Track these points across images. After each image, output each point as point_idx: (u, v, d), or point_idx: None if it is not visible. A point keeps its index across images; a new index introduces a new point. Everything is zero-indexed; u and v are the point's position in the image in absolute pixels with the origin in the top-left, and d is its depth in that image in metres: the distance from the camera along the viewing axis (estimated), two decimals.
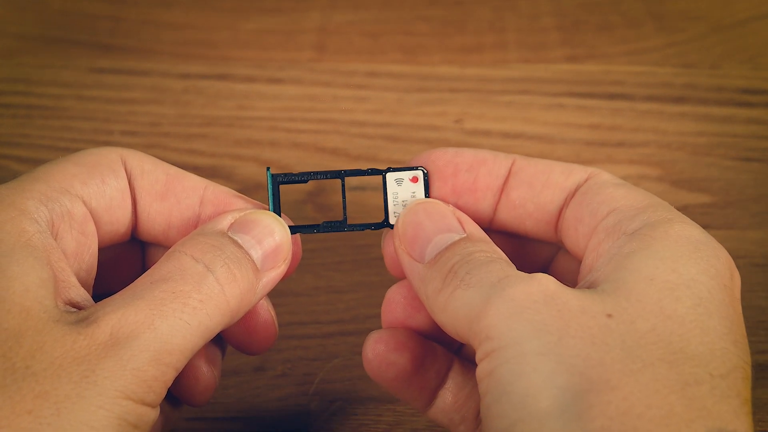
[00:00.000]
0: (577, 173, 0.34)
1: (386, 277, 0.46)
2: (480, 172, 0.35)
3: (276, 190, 0.34)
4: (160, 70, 0.55)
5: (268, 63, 0.56)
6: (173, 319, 0.29)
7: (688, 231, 0.30)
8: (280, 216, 0.34)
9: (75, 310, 0.29)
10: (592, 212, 0.32)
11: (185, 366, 0.30)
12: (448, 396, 0.35)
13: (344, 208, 0.35)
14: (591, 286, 0.30)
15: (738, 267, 0.31)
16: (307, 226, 0.35)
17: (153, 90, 0.54)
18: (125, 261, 0.36)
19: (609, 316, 0.28)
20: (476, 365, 0.29)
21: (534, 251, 0.36)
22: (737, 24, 0.58)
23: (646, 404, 0.26)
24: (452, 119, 0.53)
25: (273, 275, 0.32)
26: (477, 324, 0.28)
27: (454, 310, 0.30)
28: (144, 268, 0.36)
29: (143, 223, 0.34)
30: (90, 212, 0.32)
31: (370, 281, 0.46)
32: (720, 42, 0.57)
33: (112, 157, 0.33)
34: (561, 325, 0.27)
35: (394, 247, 0.34)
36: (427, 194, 0.35)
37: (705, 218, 0.48)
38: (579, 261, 0.33)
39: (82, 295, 0.30)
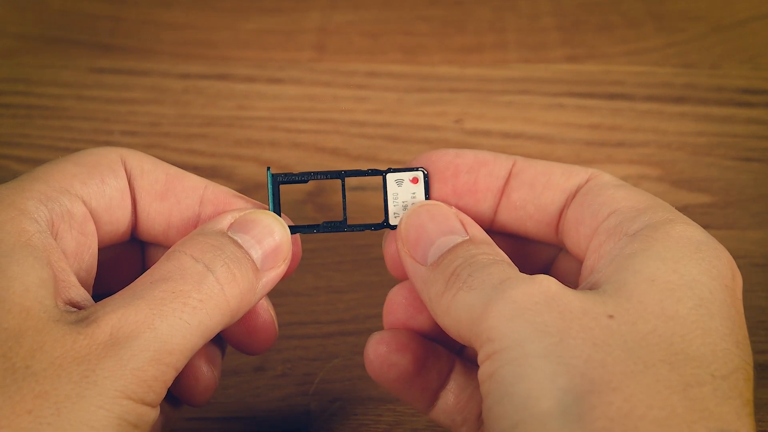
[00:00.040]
0: (578, 174, 0.34)
1: (386, 277, 0.46)
2: (480, 173, 0.35)
3: (276, 190, 0.34)
4: (160, 70, 0.55)
5: (268, 63, 0.56)
6: (173, 318, 0.29)
7: (690, 232, 0.30)
8: (280, 216, 0.34)
9: (75, 309, 0.29)
10: (593, 213, 0.32)
11: (185, 366, 0.30)
12: (450, 397, 0.35)
13: (344, 208, 0.35)
14: (592, 288, 0.30)
15: (738, 267, 0.31)
16: (307, 226, 0.35)
17: (153, 90, 0.54)
18: (125, 261, 0.36)
19: (610, 317, 0.27)
20: (478, 366, 0.29)
21: (535, 252, 0.36)
22: (737, 24, 0.58)
23: (647, 405, 0.26)
24: (452, 119, 0.53)
25: (273, 275, 0.32)
26: (479, 326, 0.28)
27: (456, 312, 0.30)
28: (144, 268, 0.36)
29: (143, 223, 0.34)
30: (90, 212, 0.32)
31: (370, 281, 0.46)
32: (720, 42, 0.57)
33: (111, 157, 0.33)
34: (562, 326, 0.27)
35: (397, 249, 0.34)
36: (428, 195, 0.35)
37: (705, 218, 0.48)
38: (580, 262, 0.33)
39: (82, 294, 0.30)
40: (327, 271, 0.46)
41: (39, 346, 0.27)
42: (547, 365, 0.27)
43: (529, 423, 0.26)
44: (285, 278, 0.33)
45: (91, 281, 0.33)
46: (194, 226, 0.34)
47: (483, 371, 0.28)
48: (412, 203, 0.35)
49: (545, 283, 0.29)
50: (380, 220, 0.35)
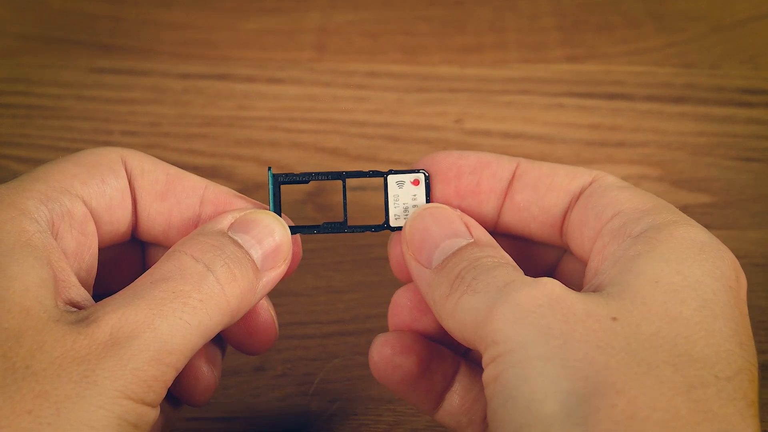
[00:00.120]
0: (582, 176, 0.34)
1: (386, 277, 0.46)
2: (483, 174, 0.35)
3: (277, 190, 0.34)
4: (160, 70, 0.55)
5: (268, 63, 0.56)
6: (173, 318, 0.29)
7: (693, 233, 0.30)
8: (280, 216, 0.34)
9: (75, 309, 0.29)
10: (597, 215, 0.32)
11: (185, 366, 0.30)
12: (455, 399, 0.35)
13: (345, 209, 0.35)
14: (596, 290, 0.30)
15: None
16: (308, 226, 0.35)
17: (153, 90, 0.54)
18: (125, 261, 0.36)
19: (614, 319, 0.27)
20: (483, 369, 0.29)
21: (539, 254, 0.36)
22: (737, 24, 0.58)
23: (651, 407, 0.25)
24: (452, 119, 0.53)
25: (273, 275, 0.32)
26: (483, 329, 0.29)
27: (461, 315, 0.30)
28: (144, 268, 0.36)
29: (143, 223, 0.34)
30: (90, 212, 0.32)
31: (370, 281, 0.46)
32: (720, 42, 0.57)
33: (112, 157, 0.33)
34: (566, 328, 0.27)
35: (402, 252, 0.34)
36: (428, 197, 0.35)
37: (705, 218, 0.48)
38: (584, 264, 0.33)
39: (82, 294, 0.30)
40: (327, 271, 0.46)
41: (39, 346, 0.27)
42: (551, 368, 0.27)
43: (533, 426, 0.26)
44: (285, 278, 0.33)
45: (92, 281, 0.33)
46: (194, 226, 0.34)
47: (487, 374, 0.28)
48: (413, 205, 0.35)
49: (549, 285, 0.29)
50: (380, 220, 0.35)
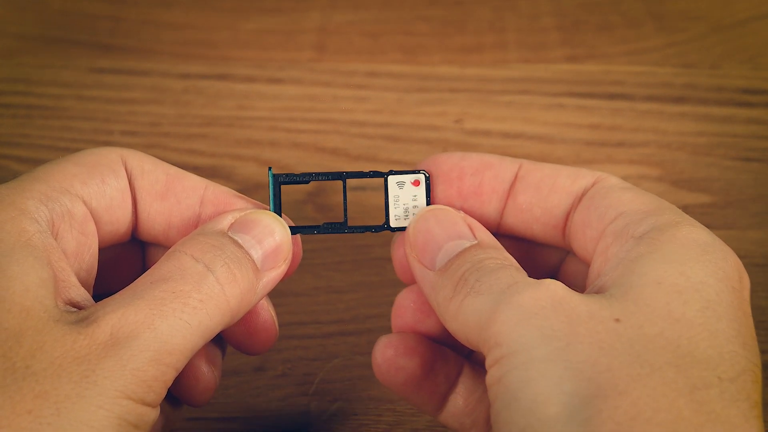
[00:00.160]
0: (584, 177, 0.34)
1: (386, 277, 0.46)
2: (485, 175, 0.35)
3: (277, 190, 0.34)
4: (160, 70, 0.55)
5: (268, 63, 0.56)
6: (173, 318, 0.29)
7: (696, 234, 0.30)
8: (280, 216, 0.34)
9: (75, 309, 0.29)
10: (600, 216, 0.32)
11: (185, 366, 0.30)
12: (459, 400, 0.35)
13: (345, 209, 0.35)
14: (599, 291, 0.29)
15: None
16: (308, 227, 0.35)
17: (153, 90, 0.54)
18: (125, 261, 0.36)
19: (617, 320, 0.27)
20: (486, 370, 0.29)
21: (543, 256, 0.36)
22: (737, 24, 0.58)
23: (654, 409, 0.25)
24: (452, 119, 0.53)
25: (273, 275, 0.32)
26: (486, 331, 0.29)
27: (464, 317, 0.30)
28: (144, 268, 0.36)
29: (143, 223, 0.34)
30: (90, 212, 0.32)
31: (370, 281, 0.46)
32: (720, 42, 0.57)
33: (112, 157, 0.33)
34: (569, 330, 0.27)
35: (405, 254, 0.34)
36: (429, 197, 0.35)
37: (705, 218, 0.48)
38: (587, 265, 0.33)
39: (82, 294, 0.30)
40: (327, 271, 0.46)
41: (39, 346, 0.27)
42: (554, 370, 0.26)
43: (536, 428, 0.26)
44: (285, 279, 0.33)
45: (92, 281, 0.33)
46: (194, 226, 0.34)
47: (491, 376, 0.28)
48: (414, 206, 0.35)
49: (552, 287, 0.29)
50: (380, 220, 0.35)
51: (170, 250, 0.31)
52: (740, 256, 0.31)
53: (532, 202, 0.34)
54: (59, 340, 0.27)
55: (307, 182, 0.35)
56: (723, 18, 0.58)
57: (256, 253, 0.32)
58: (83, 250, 0.32)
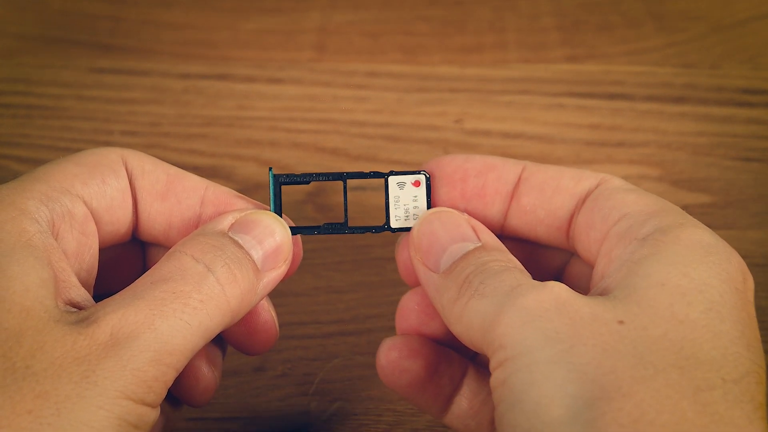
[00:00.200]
0: (588, 179, 0.34)
1: (386, 277, 0.46)
2: (489, 177, 0.35)
3: (278, 190, 0.34)
4: (160, 70, 0.55)
5: (268, 63, 0.56)
6: (173, 319, 0.29)
7: (700, 235, 0.30)
8: (281, 216, 0.34)
9: (75, 310, 0.29)
10: (604, 218, 0.32)
11: (186, 366, 0.30)
12: (464, 402, 0.35)
13: (345, 210, 0.35)
14: (603, 293, 0.29)
15: None
16: (308, 227, 0.35)
17: (153, 90, 0.54)
18: (126, 261, 0.36)
19: (620, 322, 0.27)
20: (491, 373, 0.29)
21: (547, 258, 0.36)
22: (737, 24, 0.58)
23: (657, 411, 0.25)
24: (452, 119, 0.53)
25: (273, 275, 0.32)
26: (490, 333, 0.28)
27: (468, 320, 0.30)
28: (144, 268, 0.36)
29: (144, 223, 0.34)
30: (91, 212, 0.32)
31: (370, 281, 0.46)
32: (720, 42, 0.57)
33: (112, 157, 0.33)
34: (572, 332, 0.27)
35: (410, 256, 0.34)
36: (429, 198, 0.35)
37: (705, 218, 0.48)
38: (592, 267, 0.33)
39: (82, 295, 0.30)
40: (327, 271, 0.46)
41: (39, 346, 0.27)
42: (558, 372, 0.26)
43: (540, 430, 0.26)
44: (286, 279, 0.33)
45: (92, 281, 0.33)
46: (195, 226, 0.34)
47: (495, 378, 0.28)
48: (414, 206, 0.35)
49: (556, 289, 0.29)
50: (380, 220, 0.35)
51: (170, 250, 0.31)
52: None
53: (536, 204, 0.34)
54: (59, 341, 0.27)
55: (307, 183, 0.35)
56: (723, 18, 0.58)
57: (257, 254, 0.32)
58: (83, 251, 0.32)
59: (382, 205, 0.35)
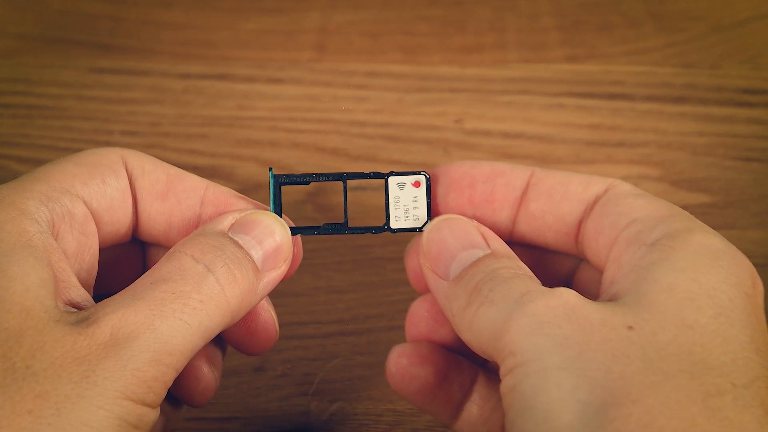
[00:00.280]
0: (596, 184, 0.34)
1: (386, 277, 0.46)
2: (497, 183, 0.34)
3: (278, 190, 0.34)
4: (160, 70, 0.55)
5: (268, 63, 0.56)
6: (173, 319, 0.29)
7: (709, 240, 0.30)
8: (281, 216, 0.34)
9: (75, 310, 0.29)
10: (612, 223, 0.32)
11: (186, 366, 0.30)
12: (474, 409, 0.35)
13: (345, 210, 0.35)
14: (612, 299, 0.29)
15: None
16: (308, 227, 0.35)
17: (153, 90, 0.54)
18: (126, 261, 0.36)
19: (630, 328, 0.27)
20: (501, 380, 0.29)
21: (556, 263, 0.36)
22: (737, 24, 0.58)
23: (667, 416, 0.25)
24: (452, 119, 0.53)
25: (273, 276, 0.32)
26: (500, 340, 0.28)
27: (478, 327, 0.30)
28: (144, 268, 0.36)
29: (144, 224, 0.34)
30: (91, 212, 0.32)
31: (370, 281, 0.46)
32: (720, 42, 0.57)
33: (112, 157, 0.33)
34: (582, 338, 0.27)
35: (420, 264, 0.34)
36: (430, 199, 0.35)
37: (705, 218, 0.47)
38: (601, 272, 0.33)
39: (82, 295, 0.30)
40: (327, 271, 0.46)
41: (39, 346, 0.27)
42: (567, 378, 0.26)
43: None
44: (286, 279, 0.33)
45: (92, 282, 0.33)
46: (195, 226, 0.34)
47: (505, 385, 0.28)
48: (414, 207, 0.35)
49: (565, 295, 0.29)
50: (380, 219, 0.35)
51: (170, 250, 0.31)
52: None
53: (545, 210, 0.34)
54: (59, 341, 0.27)
55: (307, 183, 0.35)
56: (723, 18, 0.58)
57: (257, 254, 0.32)
58: (83, 251, 0.32)
59: (382, 205, 0.35)
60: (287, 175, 0.35)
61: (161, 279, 0.30)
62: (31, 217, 0.30)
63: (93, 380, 0.27)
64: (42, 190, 0.31)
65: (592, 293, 0.32)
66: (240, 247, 0.32)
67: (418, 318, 0.35)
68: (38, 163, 0.45)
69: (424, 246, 0.33)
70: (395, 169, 0.36)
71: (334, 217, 0.48)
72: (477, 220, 0.34)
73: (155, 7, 0.59)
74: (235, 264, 0.31)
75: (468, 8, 0.59)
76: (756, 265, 0.34)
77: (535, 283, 0.30)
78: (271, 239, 0.32)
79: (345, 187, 0.35)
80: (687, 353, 0.27)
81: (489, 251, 0.32)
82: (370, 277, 0.46)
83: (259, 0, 0.59)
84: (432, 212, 0.35)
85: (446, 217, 0.34)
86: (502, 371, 0.28)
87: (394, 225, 0.35)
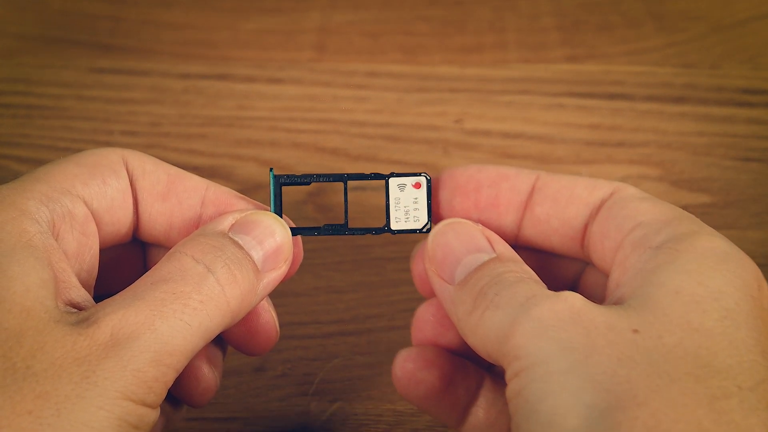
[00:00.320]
0: (602, 188, 0.34)
1: (386, 277, 0.46)
2: (502, 187, 0.34)
3: (278, 191, 0.34)
4: (160, 70, 0.55)
5: (268, 63, 0.56)
6: (173, 320, 0.29)
7: (714, 243, 0.30)
8: (281, 217, 0.34)
9: (76, 310, 0.29)
10: (618, 227, 0.32)
11: (186, 367, 0.30)
12: (480, 413, 0.35)
13: (346, 211, 0.35)
14: (618, 302, 0.29)
15: None
16: (308, 228, 0.35)
17: (153, 90, 0.54)
18: (126, 262, 0.36)
19: (635, 331, 0.27)
20: (507, 383, 0.29)
21: (562, 267, 0.36)
22: (737, 24, 0.58)
23: (673, 419, 0.25)
24: (452, 119, 0.53)
25: (274, 276, 0.32)
26: (505, 345, 0.28)
27: (484, 331, 0.30)
28: (145, 268, 0.36)
29: (145, 224, 0.34)
30: (91, 213, 0.32)
31: (370, 281, 0.46)
32: (720, 42, 0.57)
33: (113, 157, 0.33)
34: (587, 342, 0.27)
35: (425, 268, 0.34)
36: (430, 200, 0.35)
37: (705, 218, 0.47)
38: (606, 276, 0.33)
39: (82, 295, 0.30)
40: (327, 271, 0.46)
41: (39, 347, 0.27)
42: (573, 382, 0.26)
43: None
44: (286, 280, 0.33)
45: (92, 282, 0.33)
46: (196, 226, 0.34)
47: (510, 389, 0.28)
48: (414, 208, 0.35)
49: (570, 299, 0.29)
50: (380, 219, 0.35)
51: (171, 251, 0.31)
52: None
53: (550, 214, 0.34)
54: (60, 341, 0.27)
55: (308, 183, 0.35)
56: (723, 18, 0.58)
57: (257, 254, 0.32)
58: (84, 251, 0.32)
59: (382, 205, 0.35)
60: (288, 176, 0.35)
61: (161, 279, 0.30)
62: (32, 218, 0.30)
63: (93, 380, 0.27)
64: (42, 190, 0.31)
65: (598, 297, 0.32)
66: (240, 247, 0.32)
67: (424, 322, 0.35)
68: (38, 163, 0.45)
69: (429, 250, 0.33)
70: (395, 169, 0.36)
71: (334, 217, 0.48)
72: (482, 224, 0.34)
73: (155, 7, 0.59)
74: (235, 264, 0.31)
75: (468, 8, 0.59)
76: (757, 265, 0.34)
77: (540, 287, 0.30)
78: (272, 240, 0.32)
79: (345, 188, 0.35)
80: (693, 356, 0.27)
81: (494, 255, 0.32)
82: (370, 277, 0.46)
83: (259, 0, 0.59)
84: (432, 214, 0.35)
85: (451, 221, 0.34)
86: (508, 375, 0.28)
87: (394, 226, 0.35)
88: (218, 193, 0.34)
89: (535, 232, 0.34)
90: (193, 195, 0.34)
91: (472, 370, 0.35)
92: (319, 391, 0.42)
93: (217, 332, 0.30)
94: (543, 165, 0.50)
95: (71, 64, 0.55)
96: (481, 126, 0.52)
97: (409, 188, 0.35)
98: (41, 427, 0.26)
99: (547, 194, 0.34)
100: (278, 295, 0.35)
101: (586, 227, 0.34)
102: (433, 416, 0.35)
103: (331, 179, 0.35)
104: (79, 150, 0.34)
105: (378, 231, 0.35)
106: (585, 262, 0.36)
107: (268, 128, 0.52)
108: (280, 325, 0.35)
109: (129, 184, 0.33)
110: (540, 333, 0.28)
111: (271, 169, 0.35)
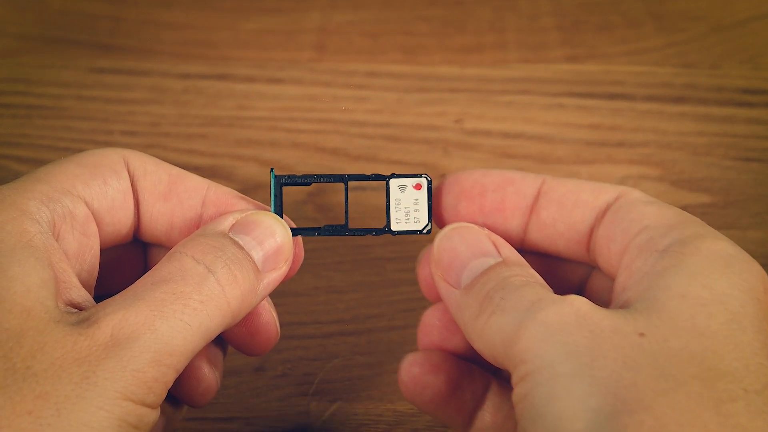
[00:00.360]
0: (608, 192, 0.34)
1: (386, 277, 0.46)
2: (507, 191, 0.34)
3: (279, 191, 0.34)
4: (160, 70, 0.55)
5: (268, 63, 0.56)
6: (174, 320, 0.29)
7: (720, 246, 0.30)
8: (282, 217, 0.34)
9: (76, 310, 0.29)
10: (624, 230, 0.32)
11: (186, 367, 0.30)
12: (487, 417, 0.35)
13: (346, 212, 0.35)
14: (624, 306, 0.29)
15: None
16: (309, 228, 0.35)
17: (153, 90, 0.54)
18: (127, 262, 0.36)
19: (641, 335, 0.27)
20: (513, 387, 0.29)
21: (568, 271, 0.36)
22: (737, 24, 0.58)
23: (679, 423, 0.25)
24: (452, 119, 0.53)
25: (274, 276, 0.32)
26: (511, 349, 0.28)
27: (490, 336, 0.30)
28: (145, 269, 0.36)
29: (145, 224, 0.34)
30: (92, 213, 0.32)
31: (370, 281, 0.46)
32: (720, 42, 0.57)
33: (114, 157, 0.33)
34: (593, 346, 0.27)
35: (431, 272, 0.34)
36: (431, 201, 0.35)
37: (705, 218, 0.47)
38: (613, 280, 0.32)
39: (83, 295, 0.30)
40: (327, 271, 0.46)
41: (40, 347, 0.27)
42: (579, 385, 0.26)
43: None
44: (286, 280, 0.33)
45: (93, 282, 0.33)
46: (196, 227, 0.34)
47: (516, 393, 0.28)
48: (415, 209, 0.35)
49: (576, 303, 0.29)
50: (380, 219, 0.35)
51: (171, 251, 0.31)
52: None
53: (556, 218, 0.34)
54: (60, 341, 0.27)
55: (308, 184, 0.35)
56: (723, 18, 0.58)
57: (257, 255, 0.32)
58: (84, 251, 0.32)
59: (383, 205, 0.35)
60: (288, 176, 0.35)
61: (162, 280, 0.30)
62: (32, 218, 0.30)
63: (93, 381, 0.27)
64: (43, 190, 0.31)
65: (604, 301, 0.31)
66: (241, 247, 0.32)
67: (431, 327, 0.35)
68: (38, 163, 0.45)
69: (435, 255, 0.33)
70: (395, 169, 0.36)
71: (334, 218, 0.48)
72: (488, 228, 0.34)
73: (155, 7, 0.59)
74: (235, 265, 0.31)
75: (468, 8, 0.59)
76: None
77: (546, 291, 0.30)
78: (272, 240, 0.32)
79: (346, 189, 0.35)
80: (699, 360, 0.27)
81: (500, 259, 0.32)
82: (370, 277, 0.46)
83: (259, 0, 0.59)
84: (438, 218, 0.35)
85: (457, 225, 0.34)
86: (514, 379, 0.28)
87: (394, 227, 0.35)
88: (219, 194, 0.34)
89: (540, 236, 0.34)
90: (194, 195, 0.34)
91: (478, 374, 0.35)
92: (319, 391, 0.42)
93: (218, 332, 0.30)
94: (543, 165, 0.50)
95: (71, 64, 0.55)
96: (481, 126, 0.52)
97: (410, 189, 0.35)
98: (41, 427, 0.26)
99: (552, 198, 0.34)
100: (278, 295, 0.35)
101: (591, 231, 0.34)
102: (440, 420, 0.35)
103: (331, 180, 0.35)
104: (79, 150, 0.34)
105: (378, 232, 0.35)
106: (591, 266, 0.36)
107: (268, 128, 0.52)
108: (280, 325, 0.35)
109: (130, 184, 0.33)
110: (546, 337, 0.28)
111: (271, 170, 0.34)
